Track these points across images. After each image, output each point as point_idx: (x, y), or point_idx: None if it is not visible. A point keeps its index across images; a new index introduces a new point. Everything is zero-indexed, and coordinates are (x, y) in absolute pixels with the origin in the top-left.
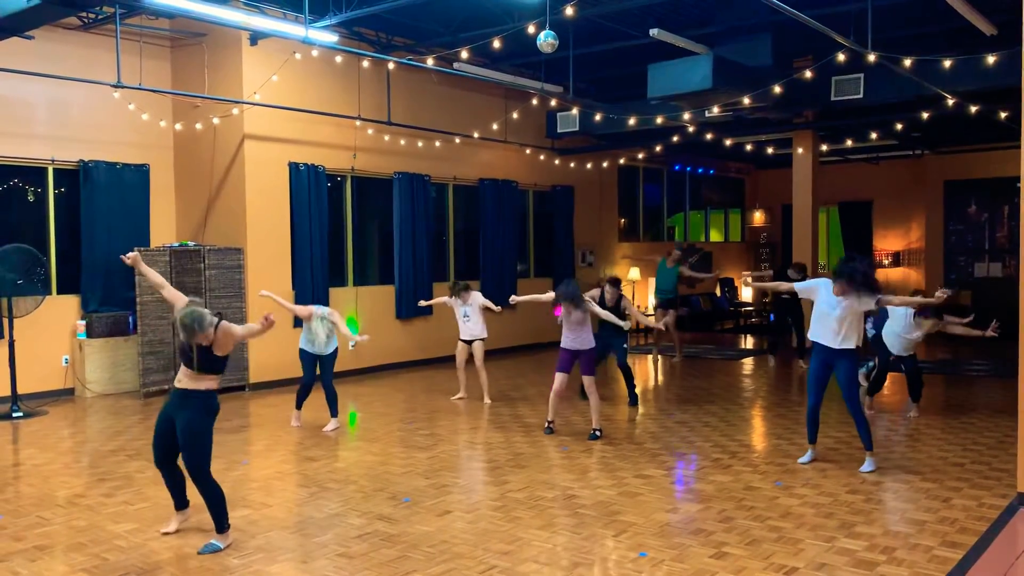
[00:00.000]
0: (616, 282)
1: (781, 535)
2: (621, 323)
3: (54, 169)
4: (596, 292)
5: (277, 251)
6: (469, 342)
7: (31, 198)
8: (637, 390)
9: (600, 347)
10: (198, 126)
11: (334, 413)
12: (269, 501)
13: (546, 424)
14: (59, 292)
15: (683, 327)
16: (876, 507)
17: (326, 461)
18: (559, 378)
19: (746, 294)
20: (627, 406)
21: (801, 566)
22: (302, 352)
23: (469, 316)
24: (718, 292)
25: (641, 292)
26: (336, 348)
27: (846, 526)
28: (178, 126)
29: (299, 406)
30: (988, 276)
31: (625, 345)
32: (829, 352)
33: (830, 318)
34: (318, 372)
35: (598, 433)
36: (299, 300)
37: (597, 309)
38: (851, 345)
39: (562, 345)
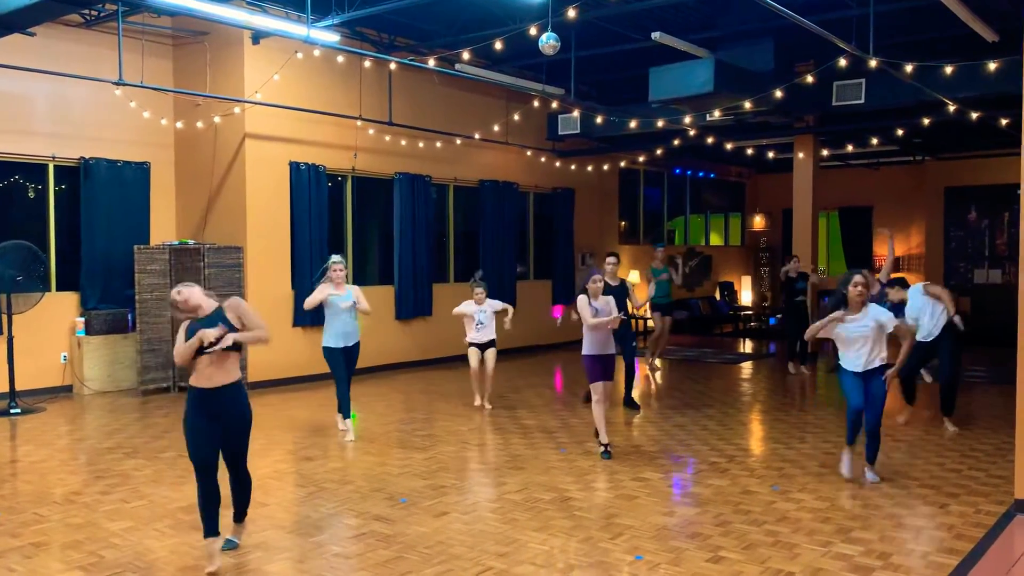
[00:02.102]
0: (616, 257)
1: (777, 539)
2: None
3: (55, 166)
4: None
5: (277, 250)
6: (483, 347)
7: (31, 195)
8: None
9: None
10: (199, 124)
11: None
12: (266, 500)
13: (602, 448)
14: (58, 289)
15: (681, 330)
16: (873, 512)
17: (323, 461)
18: (597, 388)
19: (746, 298)
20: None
21: (797, 571)
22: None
23: (484, 323)
24: (717, 296)
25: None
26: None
27: (843, 531)
28: (179, 124)
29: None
30: (988, 283)
31: (634, 343)
32: (866, 375)
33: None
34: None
35: (608, 450)
36: (298, 300)
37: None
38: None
39: (588, 352)
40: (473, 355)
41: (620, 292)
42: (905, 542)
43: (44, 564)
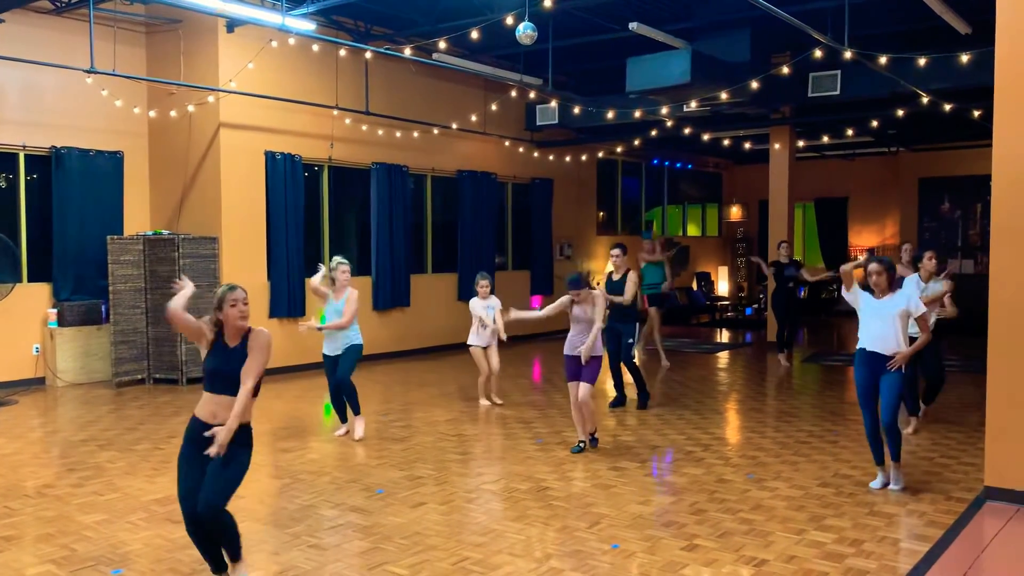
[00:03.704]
0: (624, 248)
1: (752, 527)
2: (620, 299)
3: (25, 155)
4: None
5: (252, 241)
6: (487, 348)
7: (2, 184)
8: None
9: (612, 344)
10: (173, 113)
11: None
12: (241, 492)
13: (578, 442)
14: (30, 280)
15: (662, 321)
16: (846, 500)
17: (300, 452)
18: (572, 388)
19: (722, 288)
20: (636, 408)
21: (771, 558)
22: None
23: (486, 326)
24: (695, 286)
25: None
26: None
27: (816, 519)
28: (152, 113)
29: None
30: (960, 273)
31: (631, 340)
32: (879, 360)
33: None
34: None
35: (582, 445)
36: (274, 291)
37: (601, 305)
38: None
39: (566, 352)
40: (478, 357)
41: (621, 285)
42: (877, 529)
43: (16, 558)
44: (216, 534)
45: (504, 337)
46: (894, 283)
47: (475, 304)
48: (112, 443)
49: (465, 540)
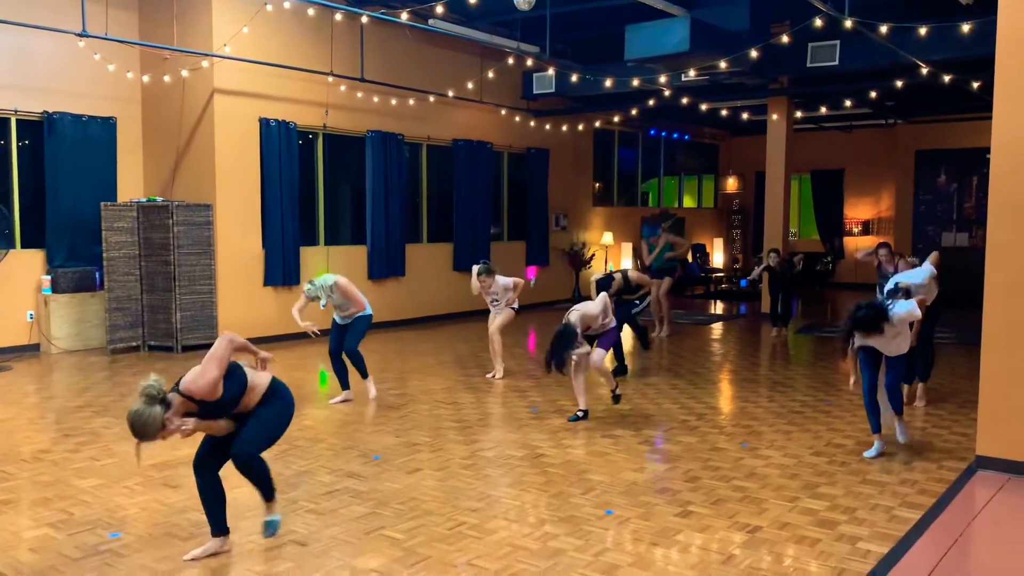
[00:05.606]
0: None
1: (746, 495)
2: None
3: (17, 120)
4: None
5: (247, 208)
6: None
7: None
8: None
9: (620, 311)
10: (166, 79)
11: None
12: None
13: (576, 411)
14: (23, 247)
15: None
16: (839, 468)
17: (296, 419)
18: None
19: (718, 260)
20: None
21: (765, 525)
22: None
23: (498, 301)
24: (690, 258)
25: (614, 256)
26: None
27: (809, 487)
28: (146, 78)
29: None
30: (955, 246)
31: (639, 302)
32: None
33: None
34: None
35: (579, 414)
36: (268, 259)
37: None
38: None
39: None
40: (491, 322)
41: (626, 308)
42: (869, 497)
43: (13, 521)
44: (247, 477)
45: (510, 305)
46: (883, 327)
47: (474, 286)
48: (108, 409)
49: (461, 505)
